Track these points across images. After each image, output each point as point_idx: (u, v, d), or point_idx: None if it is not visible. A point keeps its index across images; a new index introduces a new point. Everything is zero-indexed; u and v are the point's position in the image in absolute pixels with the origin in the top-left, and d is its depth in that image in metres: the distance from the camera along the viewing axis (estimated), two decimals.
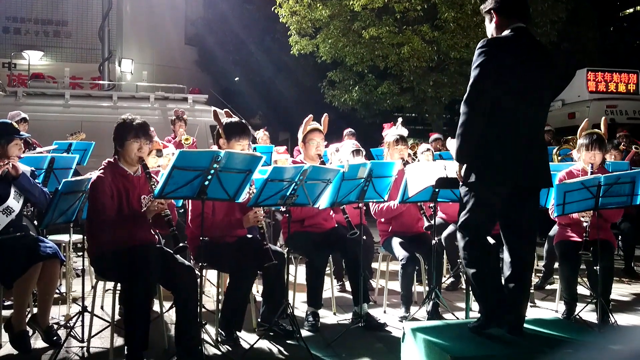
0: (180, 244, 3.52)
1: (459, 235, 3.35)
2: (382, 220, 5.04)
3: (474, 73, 3.15)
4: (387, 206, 4.86)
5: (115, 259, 3.59)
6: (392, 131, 5.30)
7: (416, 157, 6.47)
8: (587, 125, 4.94)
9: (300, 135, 4.81)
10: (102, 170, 3.71)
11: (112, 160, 3.79)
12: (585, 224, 4.43)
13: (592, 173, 4.57)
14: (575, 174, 4.73)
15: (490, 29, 3.37)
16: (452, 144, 3.38)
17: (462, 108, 3.16)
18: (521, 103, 3.18)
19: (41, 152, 5.46)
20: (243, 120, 4.48)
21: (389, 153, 5.16)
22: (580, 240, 4.53)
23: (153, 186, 3.61)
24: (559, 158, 6.93)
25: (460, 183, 3.31)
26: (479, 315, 3.38)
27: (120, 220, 3.64)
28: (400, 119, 5.64)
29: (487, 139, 3.17)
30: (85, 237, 3.91)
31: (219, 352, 3.85)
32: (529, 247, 3.39)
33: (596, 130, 4.88)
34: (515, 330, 3.29)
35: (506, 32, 3.24)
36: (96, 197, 3.62)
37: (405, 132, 5.27)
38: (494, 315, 3.26)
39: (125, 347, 3.46)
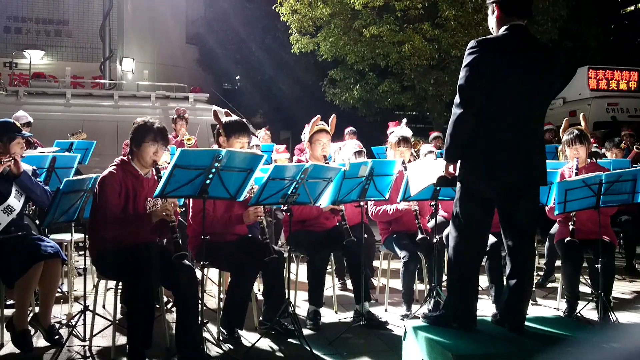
0: (180, 253, 3.52)
1: (451, 227, 3.37)
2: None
3: (463, 73, 3.18)
4: (383, 210, 4.88)
5: (116, 257, 3.59)
6: (397, 131, 5.30)
7: (418, 157, 6.47)
8: (567, 124, 5.14)
9: (306, 135, 4.80)
10: (114, 167, 3.72)
11: (125, 159, 3.80)
12: (571, 214, 4.45)
13: (577, 167, 4.63)
14: (567, 173, 4.79)
15: (491, 22, 3.39)
16: None
17: (454, 109, 3.20)
18: (515, 101, 3.19)
19: (42, 152, 5.46)
20: (243, 119, 4.49)
21: (390, 153, 5.16)
22: (583, 238, 4.53)
23: None
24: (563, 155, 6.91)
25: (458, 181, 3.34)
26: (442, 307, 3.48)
27: (123, 219, 3.64)
28: (404, 120, 5.65)
29: (479, 138, 3.19)
30: (86, 236, 3.91)
31: (220, 351, 3.85)
32: (527, 245, 3.37)
33: (576, 127, 4.96)
34: (516, 328, 3.29)
35: (502, 30, 3.26)
36: (104, 191, 3.62)
37: (408, 132, 5.26)
38: (458, 317, 3.31)
39: (128, 346, 3.47)
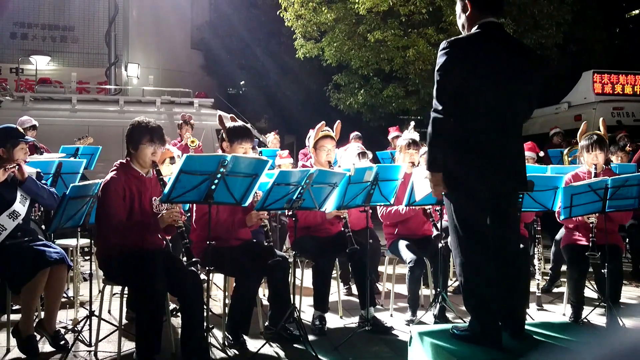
0: (193, 259, 3.54)
1: (458, 240, 3.10)
2: (388, 223, 5.04)
3: (437, 77, 3.00)
4: (395, 210, 4.86)
5: (123, 262, 3.60)
6: (405, 135, 5.31)
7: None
8: (585, 128, 4.97)
9: (311, 141, 4.80)
10: (114, 172, 3.72)
11: (124, 161, 3.80)
12: (591, 225, 4.41)
13: (595, 174, 4.57)
14: (581, 176, 4.72)
15: (461, 19, 3.19)
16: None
17: (433, 114, 3.00)
18: (494, 101, 3.00)
19: (49, 158, 5.48)
20: (248, 125, 4.50)
21: (400, 156, 5.15)
22: (587, 243, 4.50)
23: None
24: (570, 159, 6.88)
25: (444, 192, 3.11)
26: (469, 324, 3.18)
27: (131, 223, 3.66)
28: (412, 123, 5.66)
29: (461, 143, 3.00)
30: (92, 241, 3.92)
31: (226, 356, 3.85)
32: (515, 240, 3.22)
33: (595, 131, 4.89)
34: (517, 332, 3.22)
35: (474, 29, 3.07)
36: (108, 198, 3.63)
37: (416, 136, 5.27)
38: (490, 329, 3.06)
39: (136, 352, 3.47)
